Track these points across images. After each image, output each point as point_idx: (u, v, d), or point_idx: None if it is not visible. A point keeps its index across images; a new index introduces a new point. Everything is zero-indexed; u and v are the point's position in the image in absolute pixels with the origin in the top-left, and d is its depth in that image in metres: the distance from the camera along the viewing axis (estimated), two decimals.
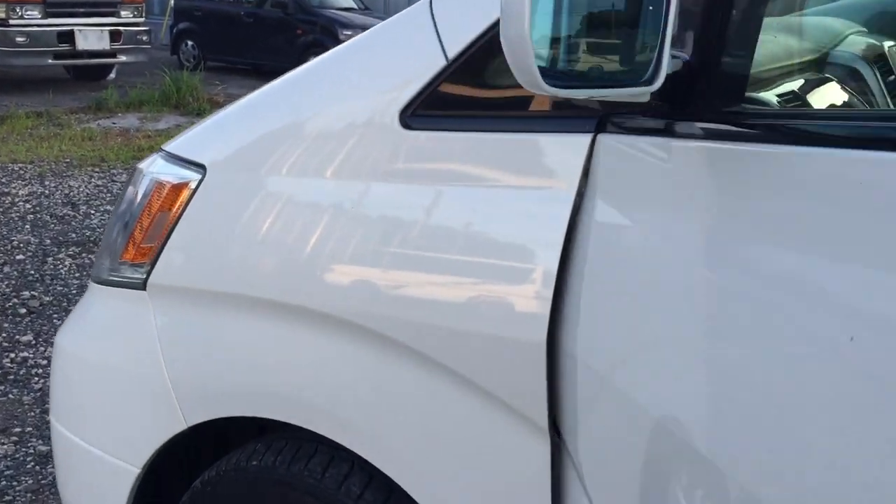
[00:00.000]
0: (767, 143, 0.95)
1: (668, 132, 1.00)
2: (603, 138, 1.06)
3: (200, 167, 1.41)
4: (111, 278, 1.54)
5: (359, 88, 1.26)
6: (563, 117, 1.11)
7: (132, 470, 1.51)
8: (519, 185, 1.12)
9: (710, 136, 0.98)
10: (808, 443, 0.85)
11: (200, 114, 9.31)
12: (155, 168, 1.51)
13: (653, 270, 1.00)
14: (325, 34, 12.67)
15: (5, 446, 2.76)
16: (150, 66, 11.29)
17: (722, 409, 0.94)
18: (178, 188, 1.43)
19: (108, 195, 5.85)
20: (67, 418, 1.62)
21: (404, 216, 1.19)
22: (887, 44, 1.61)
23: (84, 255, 4.63)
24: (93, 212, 5.44)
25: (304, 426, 1.32)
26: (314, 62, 1.37)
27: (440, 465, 1.20)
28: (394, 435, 1.24)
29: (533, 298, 1.08)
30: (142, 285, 1.47)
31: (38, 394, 3.12)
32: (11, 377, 3.25)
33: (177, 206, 1.43)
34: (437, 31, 1.19)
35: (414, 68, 1.19)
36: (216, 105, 10.06)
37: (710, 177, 0.97)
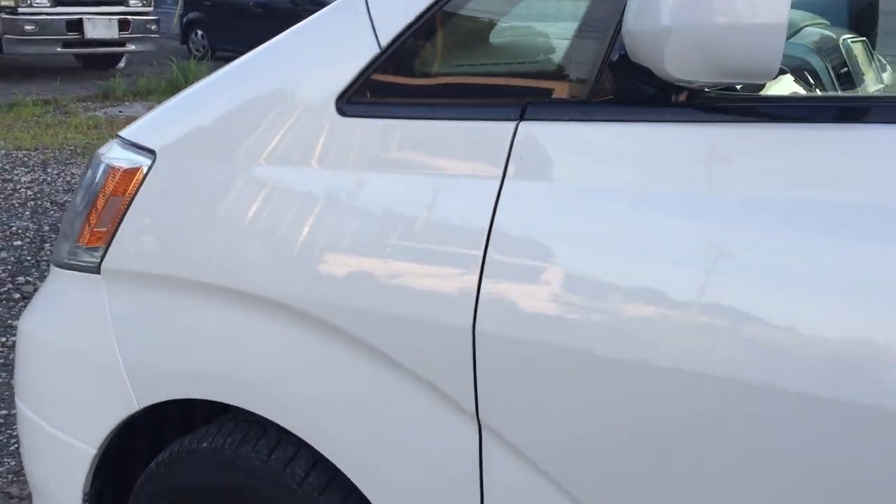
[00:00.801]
0: None
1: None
2: (525, 126, 1.08)
3: (151, 152, 1.43)
4: (70, 262, 1.57)
5: (296, 75, 1.27)
6: (489, 105, 1.12)
7: (89, 451, 1.54)
8: (448, 172, 1.13)
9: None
10: None
11: None
12: (111, 153, 1.53)
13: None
14: None
15: None
16: (159, 55, 11.36)
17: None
18: (129, 173, 1.45)
19: None
20: (30, 399, 1.65)
21: (337, 202, 1.21)
22: (842, 36, 1.61)
23: None
24: None
25: (247, 408, 1.35)
26: (259, 48, 1.39)
27: (377, 447, 1.22)
28: (331, 417, 1.26)
29: (459, 282, 1.10)
30: (96, 269, 1.50)
31: None
32: (2, 361, 3.29)
33: (129, 191, 1.45)
34: (370, 17, 1.20)
35: (348, 56, 1.21)
36: None
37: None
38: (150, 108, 7.15)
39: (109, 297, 1.49)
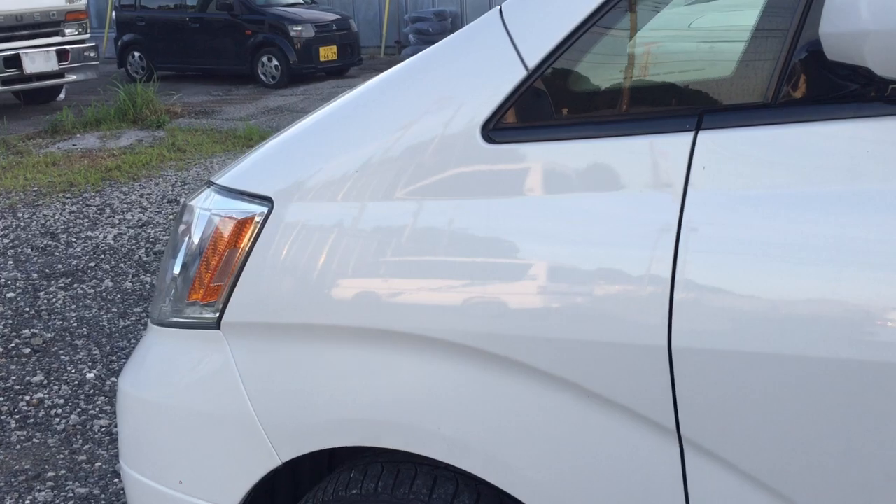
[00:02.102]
0: None
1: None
2: (704, 135, 1.06)
3: (266, 199, 1.38)
4: (176, 320, 1.51)
5: (435, 106, 1.24)
6: (659, 118, 1.10)
7: None
8: (622, 190, 1.12)
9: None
10: None
11: (160, 126, 9.19)
12: (211, 204, 1.48)
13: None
14: (274, 32, 12.53)
15: (43, 493, 2.72)
16: (99, 82, 11.10)
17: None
18: (242, 223, 1.40)
19: (87, 220, 5.74)
20: (145, 465, 1.59)
21: (502, 232, 1.18)
22: None
23: (76, 285, 4.55)
24: (74, 240, 5.34)
25: (412, 451, 1.31)
26: (376, 83, 1.35)
27: (568, 478, 1.20)
28: (511, 452, 1.23)
29: (649, 301, 1.08)
30: (215, 325, 1.45)
31: (63, 434, 3.07)
32: (31, 420, 3.19)
33: (244, 242, 1.40)
34: (512, 40, 1.18)
35: (492, 81, 1.18)
36: (175, 115, 9.93)
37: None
38: (104, 138, 6.98)
39: (233, 351, 1.44)
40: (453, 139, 1.21)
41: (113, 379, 3.48)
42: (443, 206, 1.22)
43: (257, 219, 1.39)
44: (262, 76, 12.58)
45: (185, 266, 1.50)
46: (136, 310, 4.21)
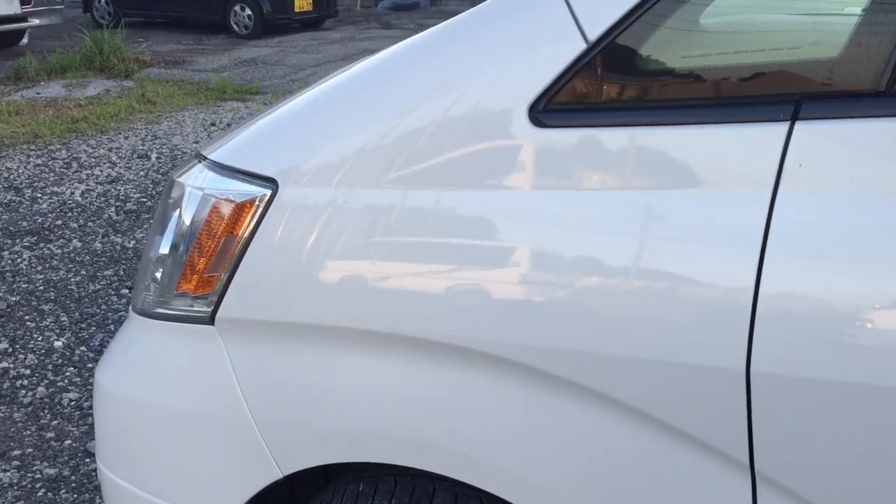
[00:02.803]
0: None
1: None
2: (801, 126, 0.90)
3: (269, 181, 1.21)
4: (163, 311, 1.34)
5: (474, 82, 1.07)
6: (747, 105, 0.94)
7: None
8: (696, 188, 0.96)
9: None
10: None
11: (128, 75, 8.85)
12: (205, 182, 1.30)
13: None
14: None
15: (9, 473, 2.54)
16: (64, 27, 10.67)
17: None
18: (241, 207, 1.23)
19: (53, 175, 5.48)
20: (125, 468, 1.43)
21: (549, 230, 1.02)
22: None
23: (42, 244, 4.33)
24: (39, 195, 5.09)
25: (435, 471, 1.16)
26: (407, 50, 1.17)
27: None
28: (551, 476, 1.08)
29: (726, 317, 0.93)
30: (208, 319, 1.28)
31: (29, 408, 2.89)
32: None
33: (243, 228, 1.23)
34: (570, 7, 1.00)
35: (544, 56, 1.01)
36: (144, 65, 9.57)
37: None
38: (70, 87, 6.71)
39: (229, 350, 1.27)
40: (492, 122, 1.04)
41: (83, 348, 3.29)
42: (476, 197, 1.06)
43: (258, 202, 1.22)
44: (234, 26, 12.18)
45: (172, 252, 1.33)
46: (106, 272, 4.00)
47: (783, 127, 0.91)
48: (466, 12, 1.12)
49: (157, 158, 5.89)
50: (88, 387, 3.00)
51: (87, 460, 2.59)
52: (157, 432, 1.37)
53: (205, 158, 1.34)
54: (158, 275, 1.35)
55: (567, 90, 1.00)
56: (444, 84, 1.08)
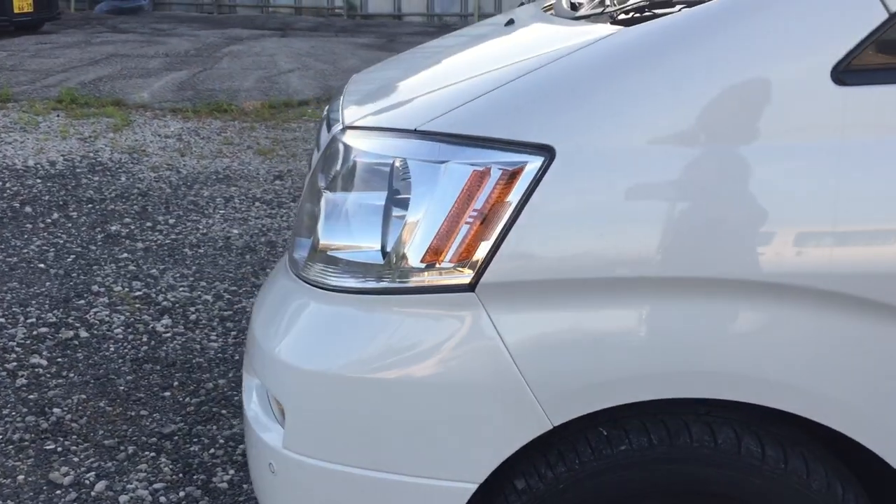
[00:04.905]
0: None
1: None
2: None
3: (543, 149, 1.28)
4: (401, 285, 1.36)
5: (775, 47, 1.23)
6: None
7: (467, 488, 1.38)
8: None
9: None
10: None
11: None
12: (439, 154, 1.34)
13: None
14: None
15: None
16: None
17: None
18: (510, 175, 1.29)
19: None
20: (351, 454, 1.40)
21: (858, 175, 1.22)
22: None
23: None
24: None
25: (758, 402, 1.31)
26: (687, 20, 1.29)
27: None
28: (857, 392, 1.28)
29: None
30: (468, 287, 1.32)
31: None
32: None
33: (511, 196, 1.29)
34: None
35: (845, 23, 1.21)
36: None
37: None
38: None
39: (491, 313, 1.31)
40: (797, 82, 1.22)
41: None
42: (787, 149, 1.23)
43: (529, 170, 1.28)
44: None
45: (407, 227, 1.35)
46: None
47: None
48: None
49: None
50: None
51: None
52: (402, 407, 1.37)
53: (416, 131, 1.37)
54: (398, 252, 1.36)
55: (866, 54, 1.20)
56: (751, 53, 1.24)
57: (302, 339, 1.46)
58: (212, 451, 2.58)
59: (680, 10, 1.39)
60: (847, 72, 1.21)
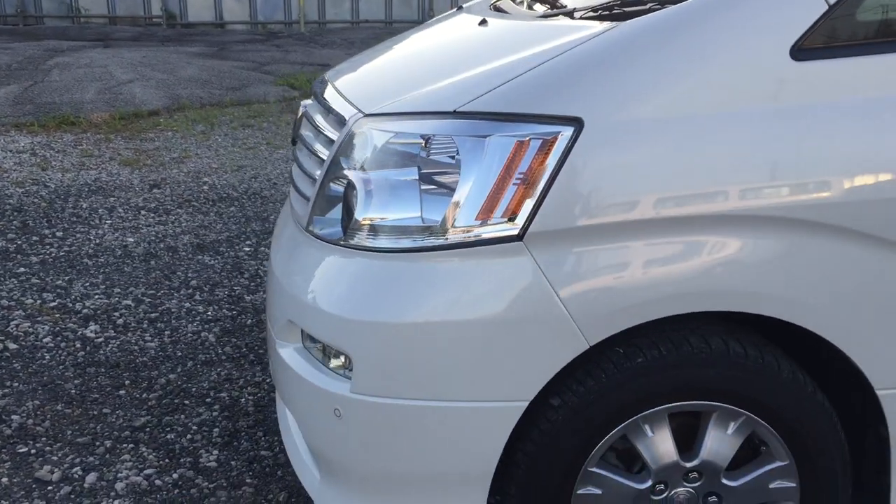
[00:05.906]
0: None
1: None
2: None
3: (574, 120, 1.59)
4: (462, 240, 1.62)
5: (753, 30, 1.59)
6: None
7: (519, 406, 1.66)
8: None
9: None
10: None
11: None
12: (481, 129, 1.62)
13: None
14: None
15: None
16: None
17: None
18: (547, 143, 1.59)
19: None
20: (416, 389, 1.65)
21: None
22: None
23: None
24: None
25: (752, 311, 1.66)
26: (689, 7, 1.63)
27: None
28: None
29: None
30: (516, 237, 1.60)
31: None
32: None
33: (549, 159, 1.58)
34: None
35: (800, 14, 1.59)
36: None
37: None
38: None
39: (536, 257, 1.60)
40: (764, 59, 1.59)
41: None
42: (762, 112, 1.60)
43: (562, 138, 1.58)
44: None
45: (464, 190, 1.62)
46: None
47: None
48: None
49: None
50: None
51: None
52: (461, 343, 1.63)
53: (455, 112, 1.65)
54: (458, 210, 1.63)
55: (815, 36, 1.59)
56: (733, 36, 1.60)
57: (367, 298, 1.69)
58: (188, 436, 2.70)
59: (649, 8, 1.75)
60: (801, 50, 1.60)
